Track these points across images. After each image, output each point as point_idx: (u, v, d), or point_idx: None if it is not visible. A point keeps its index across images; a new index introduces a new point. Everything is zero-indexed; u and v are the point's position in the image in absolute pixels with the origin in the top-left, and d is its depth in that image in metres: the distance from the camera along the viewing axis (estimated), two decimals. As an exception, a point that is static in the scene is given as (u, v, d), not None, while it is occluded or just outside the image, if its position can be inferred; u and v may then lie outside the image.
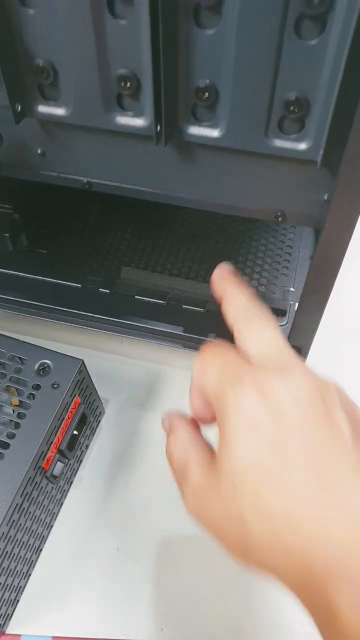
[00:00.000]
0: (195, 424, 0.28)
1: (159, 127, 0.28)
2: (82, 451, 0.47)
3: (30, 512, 0.38)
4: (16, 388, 0.39)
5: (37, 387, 0.39)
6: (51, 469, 0.39)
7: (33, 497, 0.38)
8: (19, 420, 0.37)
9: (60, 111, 0.30)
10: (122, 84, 0.27)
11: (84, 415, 0.42)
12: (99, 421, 0.49)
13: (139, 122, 0.29)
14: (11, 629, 0.40)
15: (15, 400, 0.39)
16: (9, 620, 0.40)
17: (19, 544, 0.38)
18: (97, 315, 0.48)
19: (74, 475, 0.47)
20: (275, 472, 0.21)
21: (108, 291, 0.50)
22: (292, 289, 0.51)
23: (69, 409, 0.40)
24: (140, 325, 0.47)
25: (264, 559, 0.21)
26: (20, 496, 0.35)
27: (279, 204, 0.33)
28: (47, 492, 0.41)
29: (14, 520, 0.35)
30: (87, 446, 0.48)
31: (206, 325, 0.48)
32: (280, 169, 0.31)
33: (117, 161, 0.33)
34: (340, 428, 0.22)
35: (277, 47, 0.24)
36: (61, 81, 0.29)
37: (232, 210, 0.34)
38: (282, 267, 0.53)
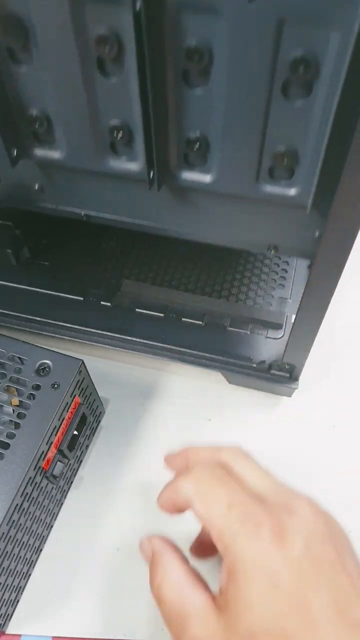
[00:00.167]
0: (183, 556, 0.26)
1: (152, 174, 0.29)
2: (82, 451, 0.47)
3: (30, 512, 0.38)
4: (16, 388, 0.39)
5: (37, 387, 0.39)
6: (51, 469, 0.39)
7: (33, 497, 0.38)
8: (19, 421, 0.37)
9: (55, 154, 0.31)
10: (115, 133, 0.28)
11: (84, 415, 0.42)
12: (99, 421, 0.49)
13: (132, 166, 0.29)
14: (11, 629, 0.40)
15: (15, 400, 0.39)
16: (9, 620, 0.40)
17: (19, 544, 0.38)
18: (100, 331, 0.49)
19: (74, 475, 0.47)
20: (299, 633, 0.21)
21: (109, 304, 0.51)
22: (289, 299, 0.51)
23: (69, 409, 0.40)
24: (141, 340, 0.48)
25: None
26: (20, 496, 0.35)
27: (271, 238, 0.34)
28: (47, 492, 0.41)
29: (14, 521, 0.35)
30: (87, 446, 0.48)
31: (204, 338, 0.49)
32: (272, 210, 0.31)
33: (113, 198, 0.34)
34: (352, 573, 0.22)
35: (265, 107, 0.25)
36: (55, 129, 0.29)
37: (225, 243, 0.35)
38: (280, 277, 0.53)
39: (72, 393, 0.40)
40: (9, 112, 0.29)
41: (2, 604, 0.38)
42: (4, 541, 0.35)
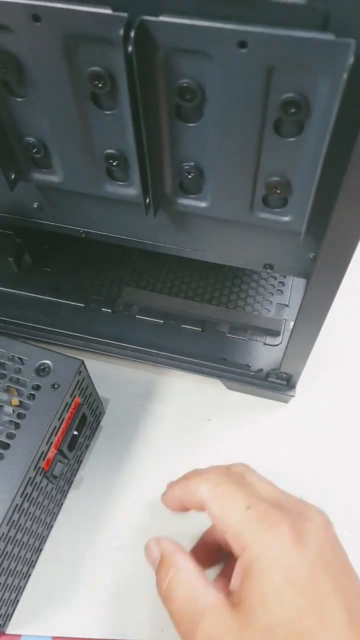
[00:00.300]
0: (191, 556, 0.26)
1: (147, 200, 0.29)
2: (82, 451, 0.47)
3: (30, 513, 0.38)
4: (16, 388, 0.39)
5: (37, 387, 0.39)
6: (51, 469, 0.39)
7: (33, 498, 0.38)
8: (19, 421, 0.37)
9: (53, 178, 0.31)
10: (110, 161, 0.28)
11: (84, 415, 0.42)
12: (99, 421, 0.49)
13: (129, 191, 0.30)
14: (11, 629, 0.40)
15: (15, 401, 0.39)
16: (9, 620, 0.40)
17: (19, 544, 0.38)
18: (100, 339, 0.50)
19: (74, 475, 0.47)
20: (315, 632, 0.21)
21: (110, 310, 0.52)
22: (287, 306, 0.51)
23: (69, 410, 0.40)
24: (140, 348, 0.49)
25: None
26: (20, 496, 0.35)
27: (267, 258, 0.34)
28: (47, 492, 0.41)
29: (13, 521, 0.35)
30: (87, 446, 0.48)
31: (203, 345, 0.49)
32: (267, 233, 0.32)
33: (111, 217, 0.35)
34: (357, 581, 0.23)
35: (257, 142, 0.25)
36: (52, 155, 0.30)
37: (222, 261, 0.36)
38: (278, 282, 0.53)
39: (72, 393, 0.40)
40: (6, 138, 0.29)
41: (2, 604, 0.38)
42: (3, 541, 0.35)
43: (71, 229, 0.37)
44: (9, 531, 0.35)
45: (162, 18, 0.21)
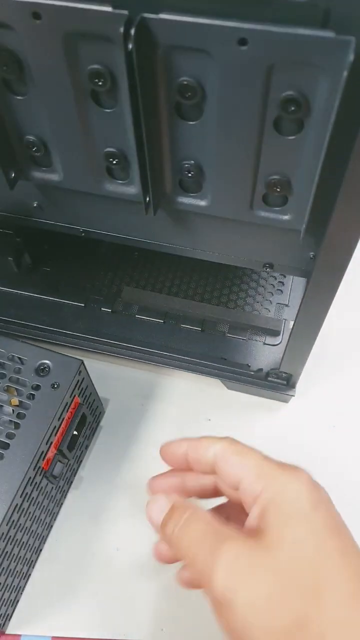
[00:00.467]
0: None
1: (147, 198, 0.29)
2: (82, 451, 0.47)
3: (30, 512, 0.38)
4: (16, 388, 0.39)
5: (36, 387, 0.39)
6: (51, 469, 0.39)
7: (33, 497, 0.38)
8: (18, 421, 0.37)
9: (53, 177, 0.31)
10: (110, 159, 0.28)
11: (83, 415, 0.42)
12: (99, 421, 0.49)
13: (129, 190, 0.30)
14: (11, 629, 0.40)
15: (15, 401, 0.39)
16: (9, 620, 0.40)
17: (18, 544, 0.38)
18: (100, 338, 0.50)
19: (74, 475, 0.47)
20: (334, 575, 0.22)
21: (110, 310, 0.52)
22: (287, 305, 0.51)
23: (69, 409, 0.40)
24: (140, 348, 0.49)
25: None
26: (20, 496, 0.35)
27: (267, 257, 0.34)
28: (47, 492, 0.41)
29: (13, 521, 0.35)
30: (87, 446, 0.48)
31: (203, 344, 0.49)
32: (267, 231, 0.32)
33: (111, 216, 0.35)
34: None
35: (257, 140, 0.25)
36: (52, 154, 0.30)
37: (221, 260, 0.36)
38: (278, 282, 0.53)
39: (72, 393, 0.40)
40: (6, 136, 0.29)
41: (2, 604, 0.38)
42: (3, 541, 0.35)
43: (71, 228, 0.37)
44: (8, 531, 0.35)
45: (162, 15, 0.21)
